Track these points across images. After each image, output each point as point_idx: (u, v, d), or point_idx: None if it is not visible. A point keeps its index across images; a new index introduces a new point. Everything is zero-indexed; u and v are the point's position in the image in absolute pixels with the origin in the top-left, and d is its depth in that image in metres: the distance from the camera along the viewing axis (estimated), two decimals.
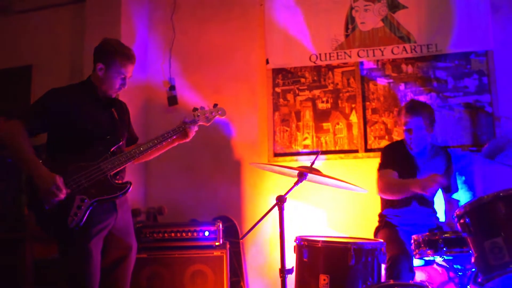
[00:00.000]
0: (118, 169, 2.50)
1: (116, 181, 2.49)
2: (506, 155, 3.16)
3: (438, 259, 2.44)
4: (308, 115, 4.14)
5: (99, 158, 2.45)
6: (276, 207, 2.38)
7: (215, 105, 2.85)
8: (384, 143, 3.87)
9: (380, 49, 3.98)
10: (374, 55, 4.00)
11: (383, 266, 2.60)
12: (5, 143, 2.38)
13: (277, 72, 4.24)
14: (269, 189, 4.00)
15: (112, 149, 2.51)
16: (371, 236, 3.21)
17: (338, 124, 4.07)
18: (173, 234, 3.50)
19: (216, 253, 3.44)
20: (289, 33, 4.18)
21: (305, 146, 4.11)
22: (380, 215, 3.26)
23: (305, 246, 2.55)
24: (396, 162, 3.17)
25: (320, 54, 4.11)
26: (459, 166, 3.55)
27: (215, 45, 4.41)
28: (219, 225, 3.47)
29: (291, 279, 2.39)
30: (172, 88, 4.39)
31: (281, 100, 4.21)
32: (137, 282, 3.33)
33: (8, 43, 4.80)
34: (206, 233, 3.47)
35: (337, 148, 4.03)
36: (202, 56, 4.43)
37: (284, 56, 4.19)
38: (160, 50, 4.52)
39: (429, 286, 2.25)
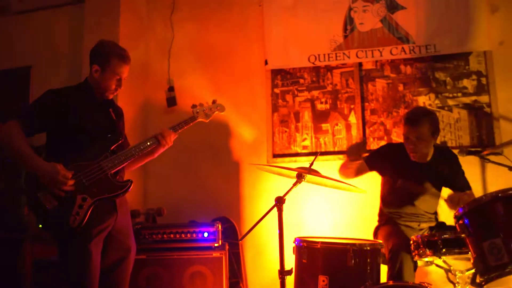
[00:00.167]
0: (118, 168, 2.51)
1: (117, 180, 2.51)
2: None
3: (437, 259, 2.44)
4: (307, 116, 4.14)
5: (99, 157, 2.46)
6: (275, 208, 2.38)
7: (214, 101, 2.90)
8: (383, 144, 3.87)
9: (379, 50, 3.99)
10: (373, 56, 4.00)
11: (382, 267, 2.60)
12: (3, 144, 2.38)
13: (276, 73, 4.25)
14: (268, 190, 4.00)
15: (112, 147, 2.52)
16: (370, 237, 3.21)
17: (337, 125, 4.07)
18: (172, 235, 3.49)
19: (215, 254, 3.44)
20: (288, 34, 4.19)
21: (304, 147, 4.11)
22: (380, 214, 3.25)
23: (304, 247, 2.56)
24: (395, 167, 3.12)
25: (319, 55, 4.11)
26: None
27: (214, 46, 4.41)
28: (218, 226, 3.47)
29: (290, 280, 2.39)
30: (171, 89, 4.39)
31: (280, 101, 4.22)
32: (136, 283, 3.33)
33: (7, 44, 4.80)
34: (205, 234, 3.47)
35: (336, 149, 4.03)
36: (201, 57, 4.44)
37: (283, 57, 4.19)
38: (159, 51, 4.52)
39: (429, 287, 2.25)
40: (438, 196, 3.13)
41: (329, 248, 2.51)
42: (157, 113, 4.42)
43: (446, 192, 3.12)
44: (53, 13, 4.72)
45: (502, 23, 3.79)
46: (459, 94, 3.84)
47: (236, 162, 4.22)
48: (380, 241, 2.67)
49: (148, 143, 2.61)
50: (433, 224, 3.11)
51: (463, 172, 3.10)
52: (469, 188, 3.04)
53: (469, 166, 3.20)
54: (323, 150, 4.03)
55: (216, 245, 3.44)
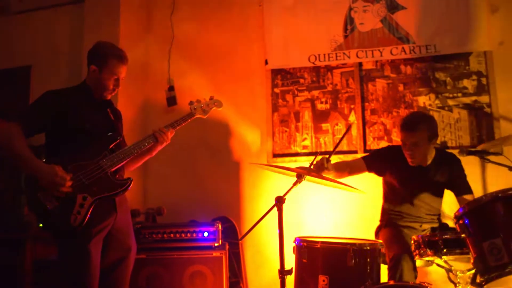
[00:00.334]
0: (117, 166, 2.51)
1: (116, 178, 2.51)
2: None
3: (438, 260, 2.44)
4: (307, 115, 4.14)
5: (98, 156, 2.47)
6: (275, 208, 2.38)
7: (211, 98, 2.94)
8: (383, 144, 3.88)
9: (379, 50, 3.98)
10: (373, 56, 4.00)
11: (382, 266, 2.60)
12: (3, 146, 2.38)
13: (276, 72, 4.25)
14: (268, 190, 4.00)
15: (110, 146, 2.53)
16: (370, 237, 3.20)
17: (337, 124, 4.07)
18: (172, 235, 3.50)
19: (215, 253, 3.44)
20: (288, 34, 4.18)
21: (304, 147, 4.11)
22: (382, 213, 3.24)
23: (304, 247, 2.56)
24: (394, 170, 3.11)
25: (319, 55, 4.11)
26: None
27: (214, 45, 4.41)
28: (218, 226, 3.47)
29: (290, 280, 2.39)
30: (171, 88, 4.39)
31: (280, 100, 4.22)
32: (136, 283, 3.33)
33: (7, 43, 4.80)
34: (205, 234, 3.47)
35: (336, 149, 4.02)
36: (201, 56, 4.44)
37: (283, 56, 4.19)
38: (159, 51, 4.52)
39: (429, 287, 2.25)
40: (439, 199, 3.13)
41: (329, 248, 2.51)
42: (157, 112, 4.42)
43: (448, 194, 3.13)
44: (53, 12, 4.72)
45: (502, 23, 3.79)
46: (459, 94, 3.84)
47: (236, 162, 4.22)
48: (380, 241, 2.66)
49: (146, 141, 2.63)
50: (435, 225, 3.10)
51: (465, 176, 3.07)
52: (470, 192, 3.03)
53: (469, 166, 3.19)
54: (323, 150, 4.03)
55: (216, 244, 3.45)
